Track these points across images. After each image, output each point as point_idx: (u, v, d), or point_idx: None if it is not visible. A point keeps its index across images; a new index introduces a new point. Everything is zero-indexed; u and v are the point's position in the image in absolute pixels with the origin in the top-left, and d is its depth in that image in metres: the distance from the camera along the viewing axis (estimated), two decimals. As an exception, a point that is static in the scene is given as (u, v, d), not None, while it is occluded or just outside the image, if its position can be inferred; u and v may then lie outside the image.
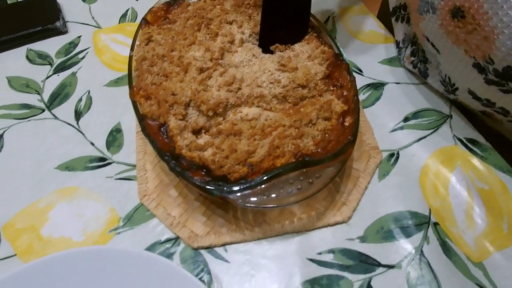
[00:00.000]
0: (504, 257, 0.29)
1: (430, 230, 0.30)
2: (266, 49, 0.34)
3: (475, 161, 0.34)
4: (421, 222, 0.31)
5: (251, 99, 0.31)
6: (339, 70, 0.32)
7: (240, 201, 0.26)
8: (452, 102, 0.38)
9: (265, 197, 0.26)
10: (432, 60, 0.37)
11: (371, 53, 0.43)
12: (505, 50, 0.27)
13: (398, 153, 0.35)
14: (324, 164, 0.27)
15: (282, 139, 0.28)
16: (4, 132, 0.38)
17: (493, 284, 0.28)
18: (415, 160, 0.34)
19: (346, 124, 0.29)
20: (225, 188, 0.26)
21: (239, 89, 0.31)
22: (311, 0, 0.34)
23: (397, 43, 0.42)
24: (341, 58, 0.33)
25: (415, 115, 0.37)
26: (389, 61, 0.42)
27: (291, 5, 0.33)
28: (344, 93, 0.31)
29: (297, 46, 0.35)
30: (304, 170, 0.26)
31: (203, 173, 0.27)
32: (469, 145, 0.35)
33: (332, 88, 0.32)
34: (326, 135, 0.29)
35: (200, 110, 0.30)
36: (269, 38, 0.34)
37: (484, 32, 0.28)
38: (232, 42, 0.34)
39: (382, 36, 0.45)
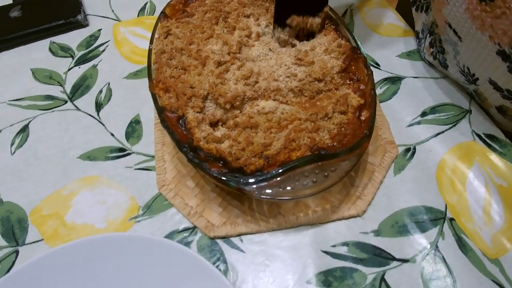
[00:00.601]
0: (521, 255, 0.28)
1: (446, 226, 0.30)
2: (282, 23, 0.34)
3: (494, 157, 0.33)
4: (437, 218, 0.31)
5: (267, 93, 0.31)
6: (356, 64, 0.32)
7: (256, 192, 0.27)
8: (471, 97, 0.37)
9: (280, 189, 0.27)
10: (449, 50, 0.36)
11: (389, 47, 0.42)
12: None
13: (414, 148, 0.35)
14: (340, 157, 0.27)
15: (298, 132, 0.28)
16: (29, 122, 0.39)
17: (510, 281, 0.28)
18: (432, 155, 0.34)
19: (362, 118, 0.29)
20: (241, 180, 0.26)
21: (256, 82, 0.31)
22: None
23: (417, 34, 0.41)
24: (359, 51, 0.33)
25: (433, 109, 0.37)
26: (408, 55, 0.42)
27: None
28: (361, 87, 0.31)
29: (314, 39, 0.35)
30: (319, 163, 0.27)
31: (220, 164, 0.27)
32: (488, 141, 0.34)
33: (348, 82, 0.32)
34: (342, 128, 0.29)
35: (218, 103, 0.31)
36: (284, 12, 0.33)
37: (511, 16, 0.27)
38: (249, 35, 0.35)
39: (401, 29, 0.44)
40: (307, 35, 0.35)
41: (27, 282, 0.26)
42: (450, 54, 0.36)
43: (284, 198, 0.27)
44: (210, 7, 0.37)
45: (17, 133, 0.39)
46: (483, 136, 0.35)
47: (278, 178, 0.26)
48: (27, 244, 0.32)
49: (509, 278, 0.28)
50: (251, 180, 0.26)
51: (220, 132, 0.30)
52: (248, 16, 0.36)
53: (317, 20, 0.34)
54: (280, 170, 0.26)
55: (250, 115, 0.30)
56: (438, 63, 0.38)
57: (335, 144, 0.28)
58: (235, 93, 0.30)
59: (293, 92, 0.31)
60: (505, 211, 0.30)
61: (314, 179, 0.27)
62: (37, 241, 0.32)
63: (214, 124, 0.30)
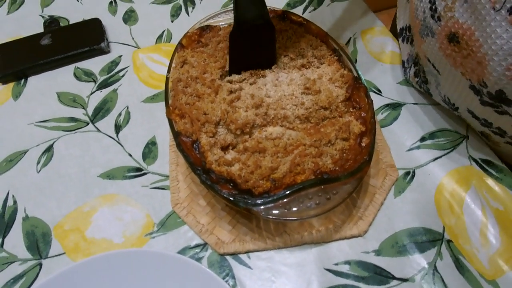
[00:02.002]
0: (516, 276, 0.30)
1: (444, 247, 0.32)
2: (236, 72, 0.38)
3: (490, 182, 0.35)
4: (435, 239, 0.32)
5: (275, 120, 0.34)
6: (358, 93, 0.35)
7: (263, 213, 0.29)
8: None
9: (286, 210, 0.29)
10: (431, 81, 0.38)
11: (390, 74, 0.45)
12: (496, 75, 0.28)
13: (414, 172, 0.37)
14: (341, 181, 0.29)
15: (302, 157, 0.30)
16: (54, 142, 0.43)
17: (505, 301, 0.29)
18: (430, 179, 0.36)
19: (363, 144, 0.31)
20: (250, 201, 0.29)
21: (266, 111, 0.34)
22: (275, 36, 0.37)
23: (403, 63, 0.44)
24: (360, 81, 0.35)
25: (432, 135, 0.39)
26: (408, 82, 0.44)
27: (255, 42, 0.37)
28: (362, 115, 0.33)
29: (319, 69, 0.37)
30: (322, 186, 0.29)
31: (230, 186, 0.30)
32: (484, 165, 0.36)
33: (351, 110, 0.34)
34: (344, 154, 0.31)
35: (229, 129, 0.33)
36: (237, 69, 0.37)
37: (477, 58, 0.29)
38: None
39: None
40: None
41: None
42: (432, 84, 0.38)
43: (289, 218, 0.29)
44: (223, 37, 0.41)
45: (43, 153, 0.42)
46: (479, 161, 0.37)
47: (284, 200, 0.29)
48: (50, 257, 0.35)
49: (505, 299, 0.29)
50: (259, 201, 0.29)
51: (230, 155, 0.32)
52: (258, 47, 0.39)
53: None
54: (286, 192, 0.28)
55: (259, 140, 0.32)
56: (423, 91, 0.41)
57: (337, 168, 0.30)
58: (245, 120, 0.33)
59: (300, 119, 0.34)
60: (501, 234, 0.32)
61: (317, 201, 0.29)
62: (59, 255, 0.35)
63: (225, 148, 0.33)
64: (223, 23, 0.43)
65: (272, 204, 0.28)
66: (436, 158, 0.37)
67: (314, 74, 0.37)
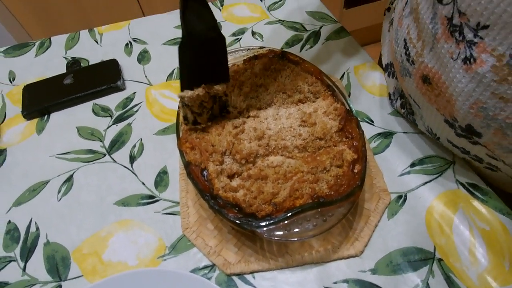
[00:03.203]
0: (504, 292, 0.32)
1: (435, 265, 0.34)
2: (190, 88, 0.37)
3: (476, 204, 0.38)
4: (427, 258, 0.35)
5: (276, 150, 0.37)
6: (350, 124, 0.38)
7: (266, 234, 0.32)
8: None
9: (287, 231, 0.32)
10: (417, 112, 0.41)
11: (381, 105, 0.49)
12: (463, 112, 0.32)
13: (405, 195, 0.40)
14: (336, 204, 0.32)
15: (301, 183, 0.34)
16: (74, 173, 0.46)
17: (493, 316, 0.31)
18: (421, 202, 0.39)
19: (355, 170, 0.35)
20: (254, 224, 0.32)
21: (267, 142, 0.38)
22: (226, 48, 0.37)
23: (389, 95, 0.48)
24: (351, 113, 0.39)
25: (421, 161, 0.42)
26: (398, 112, 0.48)
27: (206, 56, 0.36)
28: (354, 144, 0.37)
29: (315, 103, 0.42)
30: (319, 209, 0.32)
31: (236, 210, 0.33)
32: (471, 189, 0.39)
33: (344, 139, 0.38)
34: (338, 180, 0.34)
35: (235, 159, 0.37)
36: (189, 85, 0.37)
37: (446, 97, 0.33)
38: (261, 101, 0.42)
39: (392, 90, 0.51)
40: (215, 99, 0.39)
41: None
42: (418, 115, 0.42)
43: (290, 239, 0.32)
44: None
45: (63, 182, 0.45)
46: (466, 184, 0.39)
47: (285, 222, 0.32)
48: (69, 279, 0.37)
49: (493, 314, 0.31)
50: (262, 224, 0.32)
51: (236, 182, 0.35)
52: (259, 86, 0.43)
53: (221, 88, 0.38)
54: (287, 215, 0.32)
55: (261, 168, 0.36)
56: (410, 120, 0.44)
57: (332, 193, 0.33)
58: (249, 150, 0.37)
59: (298, 148, 0.38)
60: (488, 253, 0.34)
61: (315, 223, 0.32)
62: (77, 277, 0.37)
63: (231, 176, 0.36)
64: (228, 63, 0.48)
65: (274, 226, 0.31)
66: (426, 183, 0.40)
67: (310, 108, 0.41)
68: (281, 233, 0.32)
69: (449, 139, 0.38)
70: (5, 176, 0.47)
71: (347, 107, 0.40)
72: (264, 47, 0.48)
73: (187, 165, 0.37)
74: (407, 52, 0.36)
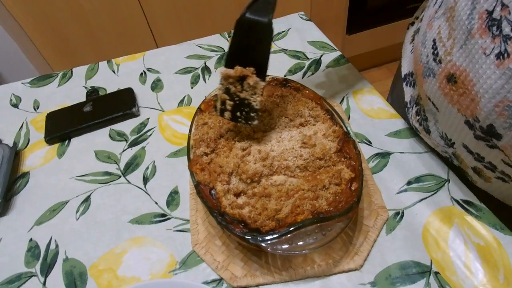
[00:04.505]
0: (498, 304, 0.33)
1: (432, 278, 0.36)
2: (230, 67, 0.41)
3: (470, 219, 0.39)
4: (424, 271, 0.36)
5: (279, 169, 0.40)
6: (347, 145, 0.41)
7: (270, 248, 0.34)
8: (449, 167, 0.45)
9: (289, 245, 0.34)
10: (431, 119, 0.43)
11: (379, 127, 0.52)
12: (487, 111, 0.32)
13: (403, 212, 0.42)
14: (335, 220, 0.34)
15: (302, 200, 0.36)
16: (91, 194, 0.50)
17: (488, 327, 0.32)
18: (418, 218, 0.41)
19: (353, 188, 0.37)
20: (258, 238, 0.34)
21: (271, 163, 0.41)
22: (271, 40, 0.40)
23: (405, 104, 0.50)
24: (349, 135, 0.42)
25: (417, 179, 0.45)
26: (395, 134, 0.51)
27: (254, 40, 0.39)
28: (352, 163, 0.40)
29: (315, 126, 0.45)
30: (319, 224, 0.34)
31: (241, 226, 0.35)
32: (465, 205, 0.41)
33: (342, 159, 0.41)
34: (337, 197, 0.37)
35: (241, 178, 0.40)
36: (231, 63, 0.41)
37: (471, 95, 0.33)
38: (266, 125, 0.45)
39: (389, 113, 0.54)
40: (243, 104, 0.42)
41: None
42: (431, 121, 0.43)
43: (292, 252, 0.34)
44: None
45: (81, 203, 0.49)
46: (460, 201, 0.41)
47: (287, 236, 0.34)
48: (87, 293, 0.40)
49: (488, 324, 0.32)
50: (266, 238, 0.34)
51: (241, 200, 0.38)
52: (264, 111, 0.47)
53: (256, 80, 0.41)
54: (289, 230, 0.34)
55: (265, 187, 0.39)
56: (422, 129, 0.46)
57: (331, 209, 0.36)
58: (254, 171, 0.40)
59: (300, 168, 0.40)
60: (483, 266, 0.36)
61: (315, 237, 0.34)
62: (94, 291, 0.40)
63: (237, 195, 0.39)
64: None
65: (277, 240, 0.34)
66: (422, 199, 0.42)
67: (311, 131, 0.44)
68: (284, 247, 0.34)
69: (465, 143, 0.38)
70: (28, 197, 0.50)
71: (345, 130, 0.43)
72: (268, 75, 0.52)
73: (197, 184, 0.40)
74: (435, 52, 0.37)
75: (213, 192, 0.39)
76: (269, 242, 0.34)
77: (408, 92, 0.50)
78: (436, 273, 0.36)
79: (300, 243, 0.34)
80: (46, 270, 0.42)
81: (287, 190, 0.38)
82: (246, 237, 0.34)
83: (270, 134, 0.44)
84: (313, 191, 0.37)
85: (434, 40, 0.39)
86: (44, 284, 0.41)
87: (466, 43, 0.33)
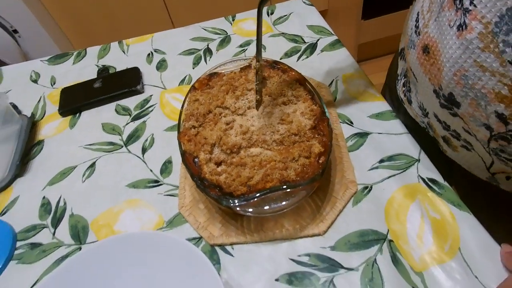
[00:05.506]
0: (441, 270, 0.36)
1: (385, 245, 0.39)
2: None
3: (432, 195, 0.42)
4: (379, 238, 0.40)
5: (257, 143, 0.44)
6: (322, 123, 0.45)
7: (240, 209, 0.38)
8: (421, 148, 0.47)
9: (256, 208, 0.38)
10: (413, 89, 0.45)
11: (362, 109, 0.54)
12: (448, 79, 0.35)
13: (371, 187, 0.45)
14: (299, 188, 0.38)
15: (272, 170, 0.40)
16: (96, 160, 0.56)
17: (428, 288, 0.36)
18: (384, 193, 0.44)
19: (320, 161, 0.41)
20: (230, 201, 0.39)
21: (250, 136, 0.45)
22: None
23: (397, 76, 0.52)
24: (325, 114, 0.45)
25: (390, 158, 0.47)
26: (376, 116, 0.53)
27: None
28: (324, 140, 0.43)
29: (296, 105, 0.48)
30: (285, 192, 0.38)
31: (217, 190, 0.40)
32: (430, 183, 0.44)
33: (316, 136, 0.44)
34: (305, 168, 0.41)
35: (222, 149, 0.44)
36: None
37: (437, 65, 0.36)
38: (250, 102, 0.49)
39: (373, 95, 0.56)
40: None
41: (86, 262, 0.39)
42: (413, 92, 0.46)
43: (259, 214, 0.38)
44: (225, 82, 0.53)
45: (87, 168, 0.55)
46: (426, 179, 0.44)
47: (255, 200, 0.38)
48: (87, 243, 0.46)
49: (427, 287, 0.36)
50: (237, 201, 0.38)
51: (220, 168, 0.43)
52: (250, 90, 0.51)
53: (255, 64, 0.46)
54: (257, 195, 0.38)
55: (241, 157, 0.43)
56: (406, 99, 0.48)
57: (298, 179, 0.40)
58: (234, 143, 0.44)
59: (276, 142, 0.44)
60: (433, 237, 0.39)
61: (282, 202, 0.38)
62: (94, 241, 0.46)
63: (218, 163, 0.44)
64: (228, 70, 0.56)
65: (246, 203, 0.38)
66: (391, 176, 0.45)
67: (290, 109, 0.47)
68: (253, 209, 0.38)
69: (435, 112, 0.40)
70: (42, 162, 0.57)
71: (322, 109, 0.46)
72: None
73: (183, 153, 0.44)
74: (417, 25, 0.40)
75: (196, 160, 0.44)
76: (238, 204, 0.38)
77: (400, 65, 0.52)
78: (390, 241, 0.39)
79: (267, 207, 0.38)
80: (56, 223, 0.49)
81: (261, 160, 0.42)
82: (219, 199, 0.39)
83: (253, 111, 0.48)
84: (283, 162, 0.41)
85: (418, 13, 0.41)
86: (54, 234, 0.48)
87: (439, 15, 0.35)
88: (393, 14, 1.59)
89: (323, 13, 1.50)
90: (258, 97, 0.47)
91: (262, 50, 0.69)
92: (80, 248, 0.46)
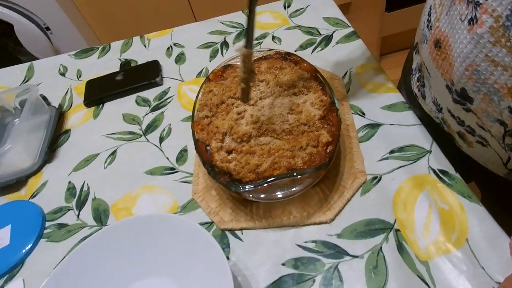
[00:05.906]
0: (447, 260, 0.36)
1: (392, 234, 0.39)
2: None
3: (441, 186, 0.42)
4: (386, 227, 0.40)
5: (267, 132, 0.46)
6: (331, 113, 0.45)
7: (250, 195, 0.40)
8: (433, 139, 0.47)
9: (264, 194, 0.40)
10: (426, 84, 0.45)
11: (375, 100, 0.54)
12: (459, 74, 0.35)
13: (380, 177, 0.45)
14: (305, 176, 0.39)
15: (280, 158, 0.41)
16: (117, 149, 0.59)
17: (432, 279, 0.36)
18: (393, 183, 0.44)
19: (328, 150, 0.41)
20: (240, 187, 0.40)
21: (260, 125, 0.46)
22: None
23: (411, 70, 0.52)
24: (334, 105, 0.46)
25: (401, 149, 0.47)
26: (389, 107, 0.53)
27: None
28: (332, 129, 0.44)
29: (307, 96, 0.49)
30: (292, 179, 0.39)
31: (227, 177, 0.42)
32: (440, 174, 0.43)
33: (325, 126, 0.45)
34: (312, 157, 0.41)
35: (233, 138, 0.46)
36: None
37: (449, 60, 0.36)
38: (262, 93, 0.50)
39: (387, 87, 0.56)
40: None
41: (105, 240, 0.42)
42: (427, 87, 0.45)
43: (267, 200, 0.40)
44: (238, 73, 0.54)
45: (109, 155, 0.58)
46: (437, 171, 0.44)
47: (264, 186, 0.40)
48: (108, 225, 0.49)
49: (432, 277, 0.36)
50: (246, 187, 0.40)
51: (231, 156, 0.44)
52: (262, 81, 0.52)
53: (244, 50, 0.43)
54: (265, 181, 0.39)
55: (251, 146, 0.44)
56: (420, 94, 0.48)
57: (305, 167, 0.41)
58: (244, 132, 0.45)
59: (285, 132, 0.45)
60: (441, 228, 0.39)
61: (289, 189, 0.40)
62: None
63: (229, 152, 0.45)
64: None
65: (254, 189, 0.39)
66: (400, 167, 0.45)
67: (301, 100, 0.48)
68: (260, 195, 0.40)
69: (449, 107, 0.40)
70: (68, 149, 0.61)
71: (332, 100, 0.47)
72: (272, 49, 0.56)
73: (196, 141, 0.46)
74: (429, 19, 0.40)
75: (208, 148, 0.45)
76: (247, 190, 0.40)
77: (415, 60, 0.51)
78: (397, 230, 0.40)
79: (274, 193, 0.40)
80: (80, 206, 0.52)
81: (269, 149, 0.43)
82: (228, 185, 0.40)
83: (264, 101, 0.49)
84: (291, 151, 0.42)
85: (430, 7, 0.41)
86: (78, 216, 0.51)
87: (450, 9, 0.35)
88: (417, 6, 1.54)
89: (347, 6, 1.48)
90: (244, 85, 0.45)
91: (277, 43, 0.70)
92: (101, 229, 0.49)
